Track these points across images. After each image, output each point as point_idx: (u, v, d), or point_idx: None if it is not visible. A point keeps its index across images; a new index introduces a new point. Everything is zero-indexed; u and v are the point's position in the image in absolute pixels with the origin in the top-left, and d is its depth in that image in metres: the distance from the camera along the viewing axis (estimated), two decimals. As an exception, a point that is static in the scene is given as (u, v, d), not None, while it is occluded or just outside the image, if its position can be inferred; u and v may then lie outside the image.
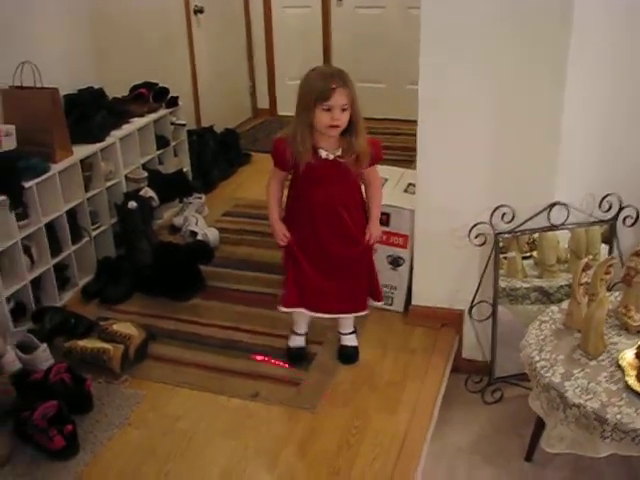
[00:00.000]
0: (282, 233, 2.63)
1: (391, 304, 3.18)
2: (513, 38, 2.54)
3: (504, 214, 2.72)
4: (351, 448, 2.40)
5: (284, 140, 2.52)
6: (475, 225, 2.75)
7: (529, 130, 2.65)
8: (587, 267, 2.41)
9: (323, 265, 2.66)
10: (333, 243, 2.62)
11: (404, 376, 2.76)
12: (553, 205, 2.69)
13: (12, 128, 3.00)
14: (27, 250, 3.16)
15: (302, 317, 2.85)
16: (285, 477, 2.31)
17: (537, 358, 2.29)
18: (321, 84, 2.40)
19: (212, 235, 3.85)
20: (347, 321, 2.90)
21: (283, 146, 2.51)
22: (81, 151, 3.48)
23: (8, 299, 3.06)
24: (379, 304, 2.87)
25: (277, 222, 2.65)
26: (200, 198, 4.33)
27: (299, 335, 2.90)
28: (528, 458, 2.58)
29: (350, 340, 2.91)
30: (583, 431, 2.08)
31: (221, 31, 6.00)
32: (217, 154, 4.92)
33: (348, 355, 2.88)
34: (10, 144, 2.99)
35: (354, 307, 2.79)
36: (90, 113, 3.67)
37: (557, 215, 2.71)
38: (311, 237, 2.62)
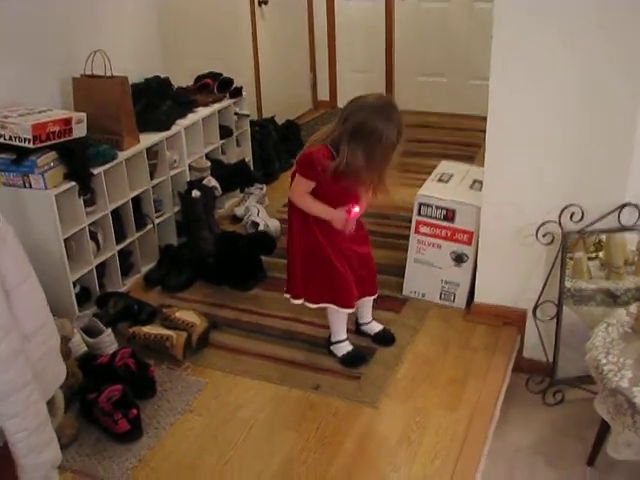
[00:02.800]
0: (339, 215, 2.64)
1: (453, 300, 3.16)
2: (589, 37, 2.49)
3: (573, 213, 2.68)
4: (411, 445, 2.40)
5: (325, 152, 2.51)
6: (543, 224, 2.72)
7: (602, 129, 2.60)
8: (658, 270, 2.35)
9: (352, 263, 2.74)
10: (358, 243, 2.77)
11: (465, 374, 2.74)
12: (624, 206, 2.64)
13: (83, 116, 3.05)
14: (93, 236, 3.22)
15: (345, 319, 2.86)
16: (345, 471, 2.31)
17: (604, 361, 2.24)
18: (395, 136, 2.47)
19: (273, 226, 3.87)
20: (369, 309, 2.97)
21: (324, 161, 2.50)
22: (147, 139, 3.53)
23: (74, 283, 3.12)
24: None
25: (330, 208, 2.63)
26: (261, 189, 4.35)
27: (347, 340, 2.90)
28: (590, 462, 2.54)
29: (378, 325, 3.00)
30: (652, 438, 2.04)
31: (284, 23, 6.01)
32: (278, 145, 4.93)
33: (388, 337, 2.96)
34: (81, 131, 3.04)
35: (376, 289, 2.93)
36: (157, 102, 3.73)
37: (627, 216, 2.66)
38: (341, 240, 2.69)
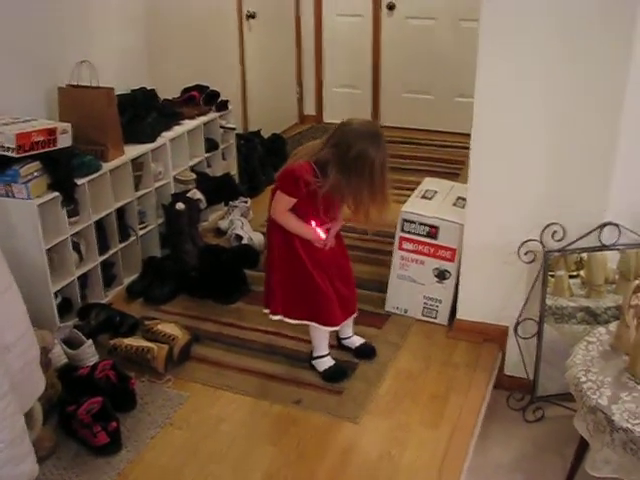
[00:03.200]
0: (319, 235, 2.65)
1: (435, 317, 3.17)
2: (571, 57, 2.52)
3: (554, 232, 2.70)
4: (392, 460, 2.39)
5: (308, 169, 2.52)
6: (525, 242, 2.74)
7: (584, 149, 2.63)
8: (638, 290, 2.37)
9: (333, 279, 2.75)
10: (338, 258, 2.79)
11: (447, 390, 2.75)
12: (605, 225, 2.67)
13: (68, 126, 3.04)
14: (76, 246, 3.21)
15: (327, 334, 2.86)
16: (325, 486, 2.31)
17: (584, 379, 2.26)
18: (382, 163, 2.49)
19: (257, 239, 3.87)
20: (349, 325, 2.98)
21: (308, 177, 2.51)
22: (132, 151, 3.52)
23: (56, 294, 3.10)
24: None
25: (311, 228, 2.65)
26: (246, 202, 4.35)
27: (328, 355, 2.89)
28: (569, 479, 2.54)
29: (359, 339, 3.01)
30: (630, 456, 2.04)
31: (271, 37, 6.04)
32: (264, 159, 4.94)
33: (369, 350, 2.97)
34: (65, 142, 3.03)
35: (356, 307, 2.92)
36: (142, 114, 3.72)
37: (608, 235, 2.68)
38: (323, 257, 2.69)
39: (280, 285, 2.73)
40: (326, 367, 2.85)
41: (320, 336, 2.84)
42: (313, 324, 2.77)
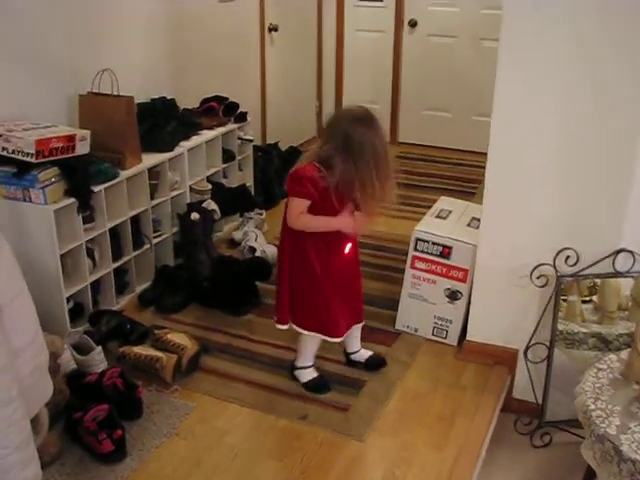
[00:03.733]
0: (347, 220, 2.62)
1: (445, 337, 3.16)
2: (590, 80, 2.52)
3: (568, 257, 2.69)
4: (396, 480, 2.38)
5: (312, 169, 2.52)
6: (538, 266, 2.73)
7: (600, 174, 2.62)
8: (651, 318, 2.36)
9: (342, 289, 2.75)
10: (351, 268, 2.80)
11: (454, 412, 2.73)
12: (619, 251, 2.65)
13: (87, 133, 3.07)
14: (90, 253, 3.23)
15: (316, 345, 2.86)
16: (328, 503, 2.30)
17: (592, 407, 2.24)
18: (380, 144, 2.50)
19: (270, 252, 3.87)
20: (357, 338, 2.98)
21: (312, 174, 2.51)
22: (150, 159, 3.54)
23: (68, 299, 3.12)
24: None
25: (335, 219, 2.60)
26: (261, 214, 4.36)
27: (313, 366, 2.90)
28: (575, 508, 2.53)
29: (367, 351, 3.01)
30: (637, 487, 2.03)
31: (293, 50, 6.06)
32: (280, 171, 4.94)
33: (379, 361, 2.98)
34: (84, 149, 3.06)
35: (363, 316, 2.93)
36: (162, 123, 3.74)
37: (622, 262, 2.67)
38: (336, 266, 2.68)
39: (289, 294, 2.73)
40: (310, 378, 2.86)
41: (311, 345, 2.84)
42: (319, 336, 2.76)
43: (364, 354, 3.00)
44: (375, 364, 2.98)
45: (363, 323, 2.94)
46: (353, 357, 3.00)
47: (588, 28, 2.47)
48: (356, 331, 2.95)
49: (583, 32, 2.48)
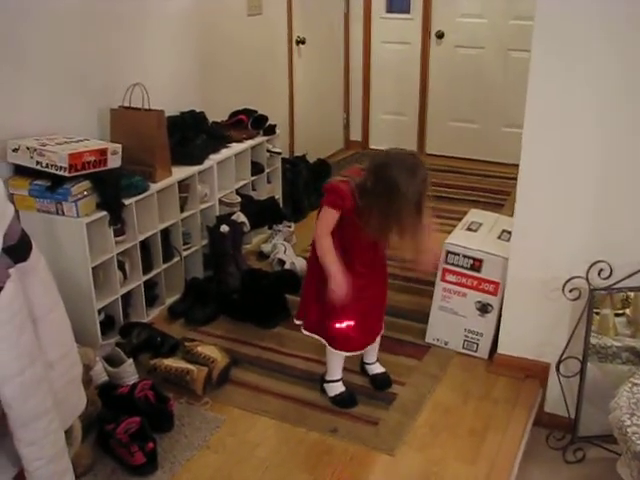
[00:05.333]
0: (341, 280, 2.54)
1: (476, 350, 3.14)
2: (628, 90, 2.49)
3: (601, 270, 2.66)
4: (428, 496, 2.37)
5: (346, 187, 2.50)
6: (570, 279, 2.70)
7: (634, 185, 2.59)
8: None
9: (364, 306, 2.74)
10: (377, 285, 2.80)
11: (485, 426, 2.71)
12: (653, 264, 2.62)
13: (118, 147, 3.10)
14: (121, 265, 3.25)
15: (342, 358, 2.84)
16: (359, 518, 2.29)
17: (628, 422, 2.21)
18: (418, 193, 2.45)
19: (299, 265, 3.87)
20: (375, 349, 2.95)
21: (347, 192, 2.49)
22: (180, 172, 3.57)
23: (99, 312, 3.14)
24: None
25: (339, 270, 2.53)
26: (290, 227, 4.37)
27: (340, 380, 2.88)
28: (609, 525, 2.49)
29: (379, 367, 2.99)
30: (674, 505, 2.00)
31: (320, 62, 6.08)
32: (309, 183, 4.96)
33: (384, 382, 2.94)
34: (115, 162, 3.09)
35: (382, 327, 2.92)
36: (191, 136, 3.77)
37: (656, 275, 2.64)
38: (359, 281, 2.64)
39: (313, 301, 2.74)
40: (337, 392, 2.85)
41: (335, 359, 2.82)
42: (329, 348, 2.77)
43: (374, 369, 2.98)
44: (379, 383, 2.95)
45: (382, 332, 2.91)
46: (366, 367, 3.00)
47: (625, 35, 2.44)
48: (374, 343, 2.93)
49: (620, 39, 2.45)
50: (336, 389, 2.86)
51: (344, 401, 2.83)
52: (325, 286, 2.57)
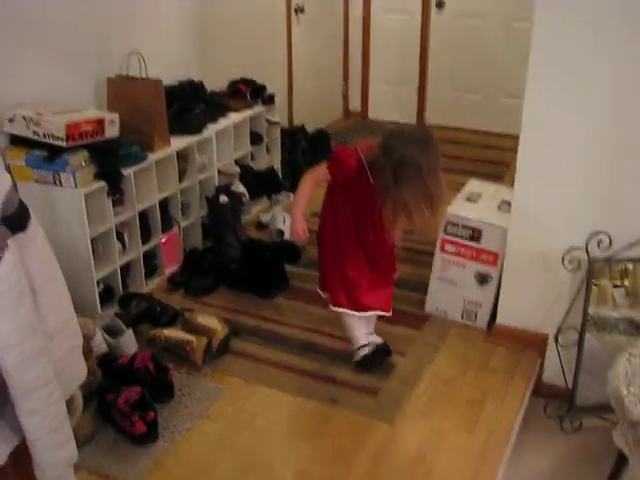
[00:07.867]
0: (303, 229, 2.65)
1: (475, 320, 3.15)
2: (633, 56, 2.46)
3: (600, 241, 2.66)
4: (426, 464, 2.38)
5: (356, 156, 2.52)
6: (569, 250, 2.70)
7: (635, 155, 2.58)
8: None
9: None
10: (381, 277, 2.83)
11: (484, 395, 2.73)
12: (653, 235, 2.62)
13: (116, 116, 3.08)
14: (120, 236, 3.25)
15: (359, 322, 2.84)
16: (358, 487, 2.31)
17: (625, 392, 2.21)
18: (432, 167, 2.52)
19: (298, 235, 3.86)
20: (372, 321, 2.94)
21: (353, 162, 2.52)
22: (178, 142, 3.55)
23: (98, 282, 3.15)
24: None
25: (299, 212, 2.64)
26: (289, 196, 4.36)
27: (367, 345, 2.85)
28: (606, 494, 2.51)
29: (378, 337, 2.92)
30: (670, 473, 2.01)
31: (319, 31, 6.03)
32: (307, 153, 4.94)
33: (383, 351, 2.89)
34: (113, 132, 3.07)
35: (389, 307, 2.88)
36: (189, 105, 3.74)
37: (656, 246, 2.64)
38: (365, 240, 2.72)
39: (323, 261, 2.80)
40: (362, 355, 2.83)
41: (353, 325, 2.82)
42: (346, 311, 2.76)
43: (373, 339, 2.94)
44: (379, 352, 2.91)
45: (389, 314, 2.88)
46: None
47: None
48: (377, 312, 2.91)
49: (625, 8, 2.42)
50: (361, 353, 2.83)
51: (372, 358, 2.82)
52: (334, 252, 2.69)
